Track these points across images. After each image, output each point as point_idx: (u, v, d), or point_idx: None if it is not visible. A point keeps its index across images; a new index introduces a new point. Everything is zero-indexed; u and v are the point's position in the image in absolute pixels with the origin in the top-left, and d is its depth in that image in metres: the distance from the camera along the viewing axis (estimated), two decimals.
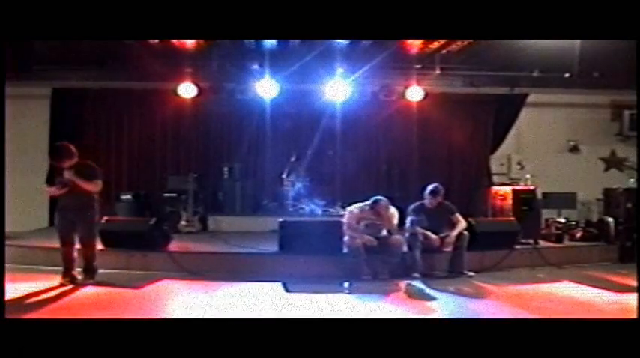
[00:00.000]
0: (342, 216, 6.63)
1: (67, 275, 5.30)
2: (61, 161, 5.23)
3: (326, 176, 9.23)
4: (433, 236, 5.93)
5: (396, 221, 5.94)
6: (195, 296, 4.95)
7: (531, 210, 7.17)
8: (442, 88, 9.34)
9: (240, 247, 6.55)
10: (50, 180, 5.38)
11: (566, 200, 8.47)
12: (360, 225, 5.87)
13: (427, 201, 6.12)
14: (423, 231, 5.95)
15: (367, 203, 5.91)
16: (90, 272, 5.40)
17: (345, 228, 5.93)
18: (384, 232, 5.89)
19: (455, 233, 5.99)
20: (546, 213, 7.87)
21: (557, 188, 8.51)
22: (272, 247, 6.25)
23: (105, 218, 6.45)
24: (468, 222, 6.25)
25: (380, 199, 5.86)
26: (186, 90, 8.51)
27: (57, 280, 5.30)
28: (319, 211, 8.50)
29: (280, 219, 6.38)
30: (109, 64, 8.73)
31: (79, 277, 5.35)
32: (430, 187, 6.16)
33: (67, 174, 5.20)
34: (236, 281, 5.46)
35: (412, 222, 6.02)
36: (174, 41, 7.29)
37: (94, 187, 5.35)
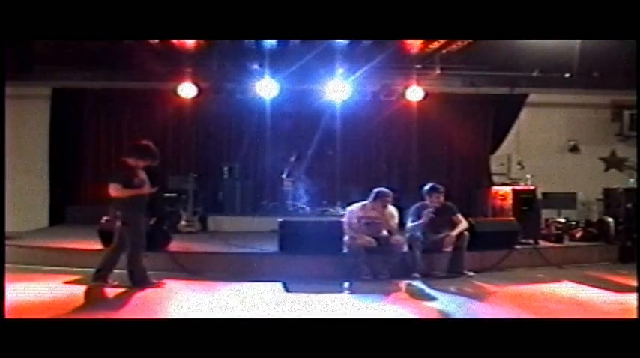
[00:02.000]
0: (342, 216, 6.64)
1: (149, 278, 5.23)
2: (153, 161, 5.21)
3: (326, 176, 9.23)
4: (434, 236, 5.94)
5: (396, 220, 5.94)
6: (195, 296, 4.95)
7: (531, 210, 7.17)
8: (442, 88, 9.34)
9: (240, 247, 6.55)
10: (125, 182, 5.06)
11: (566, 200, 8.48)
12: (360, 223, 5.87)
13: (427, 200, 6.11)
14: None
15: (368, 200, 5.92)
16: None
17: (345, 227, 5.93)
18: (385, 232, 5.89)
19: (455, 233, 5.99)
20: (546, 213, 7.87)
21: (557, 188, 8.52)
22: (272, 247, 6.25)
23: (104, 218, 6.46)
24: (468, 222, 6.25)
25: (383, 191, 5.86)
26: (186, 90, 8.51)
27: (59, 280, 5.33)
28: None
29: (280, 219, 6.38)
30: (109, 64, 8.73)
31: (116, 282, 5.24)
32: (428, 186, 6.16)
33: (143, 175, 5.19)
34: (236, 281, 5.46)
35: (413, 222, 6.03)
36: (174, 41, 7.29)
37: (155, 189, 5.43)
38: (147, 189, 5.19)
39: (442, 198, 6.09)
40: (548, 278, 5.95)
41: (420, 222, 5.95)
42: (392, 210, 5.98)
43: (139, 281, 5.13)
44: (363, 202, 5.97)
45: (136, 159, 5.14)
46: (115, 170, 5.24)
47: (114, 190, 5.03)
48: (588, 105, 9.94)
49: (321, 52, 7.83)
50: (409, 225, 6.05)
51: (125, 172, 5.11)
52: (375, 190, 5.92)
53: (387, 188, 6.01)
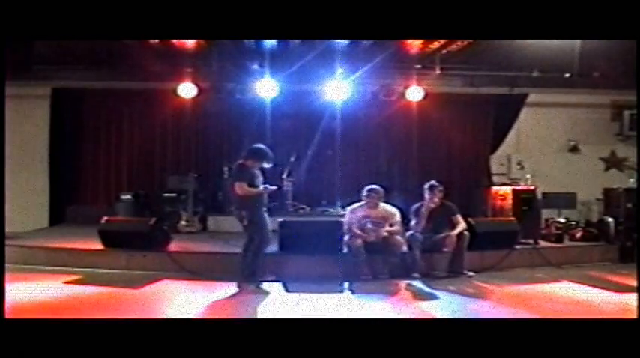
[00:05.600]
0: (342, 216, 6.64)
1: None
2: (268, 163, 5.57)
3: (326, 176, 9.23)
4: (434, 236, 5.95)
5: (398, 219, 5.95)
6: (195, 296, 4.95)
7: (531, 210, 7.17)
8: (442, 88, 9.32)
9: (240, 247, 6.51)
10: (249, 181, 5.35)
11: (566, 200, 8.47)
12: (362, 223, 5.88)
13: (427, 198, 6.12)
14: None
15: (363, 195, 5.95)
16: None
17: (345, 227, 5.94)
18: (385, 231, 5.89)
19: (455, 233, 5.99)
20: (546, 213, 7.87)
21: (557, 188, 8.51)
22: (272, 247, 6.23)
23: (105, 218, 6.47)
24: (468, 222, 6.25)
25: (374, 188, 5.94)
26: (186, 90, 8.50)
27: (60, 280, 5.33)
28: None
29: (280, 219, 6.38)
30: (109, 64, 8.73)
31: None
32: (427, 184, 6.19)
33: (259, 176, 5.48)
34: (236, 281, 5.45)
35: (414, 223, 6.04)
36: (174, 41, 7.29)
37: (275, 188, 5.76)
38: (269, 189, 5.50)
39: (441, 196, 6.12)
40: (548, 278, 5.95)
41: (418, 222, 5.98)
42: (393, 209, 6.00)
43: (250, 277, 5.31)
44: (363, 202, 5.98)
45: (253, 161, 5.43)
46: (237, 170, 5.43)
47: (240, 189, 5.26)
48: (588, 105, 9.93)
49: (321, 52, 7.83)
50: (412, 224, 6.06)
51: (247, 173, 5.33)
52: (367, 188, 5.97)
53: (380, 186, 6.06)
